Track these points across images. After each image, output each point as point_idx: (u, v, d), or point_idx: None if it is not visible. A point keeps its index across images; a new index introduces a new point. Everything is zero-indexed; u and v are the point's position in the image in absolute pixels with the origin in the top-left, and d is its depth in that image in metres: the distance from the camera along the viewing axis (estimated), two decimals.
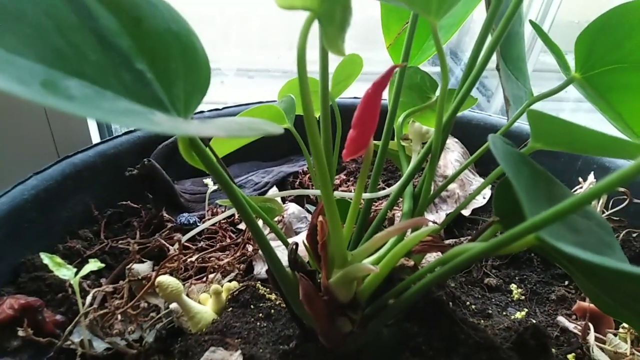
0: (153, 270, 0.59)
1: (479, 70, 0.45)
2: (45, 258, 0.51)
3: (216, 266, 0.57)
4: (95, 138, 0.87)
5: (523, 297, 0.67)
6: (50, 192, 0.66)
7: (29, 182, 0.64)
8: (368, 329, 0.46)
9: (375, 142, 0.60)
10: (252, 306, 0.54)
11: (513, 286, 0.69)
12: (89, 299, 0.55)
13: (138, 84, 0.28)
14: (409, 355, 0.50)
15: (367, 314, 0.45)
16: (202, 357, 0.46)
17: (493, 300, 0.66)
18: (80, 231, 0.70)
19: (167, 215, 0.65)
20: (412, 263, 0.43)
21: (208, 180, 0.71)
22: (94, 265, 0.50)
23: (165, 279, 0.51)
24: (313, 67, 0.33)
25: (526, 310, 0.65)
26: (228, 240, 0.65)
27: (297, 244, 0.44)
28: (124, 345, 0.54)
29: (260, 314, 0.52)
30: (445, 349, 0.49)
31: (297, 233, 0.69)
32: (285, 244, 0.48)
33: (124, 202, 0.70)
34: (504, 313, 0.64)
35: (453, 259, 0.35)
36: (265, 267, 0.62)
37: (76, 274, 0.52)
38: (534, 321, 0.61)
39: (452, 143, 0.81)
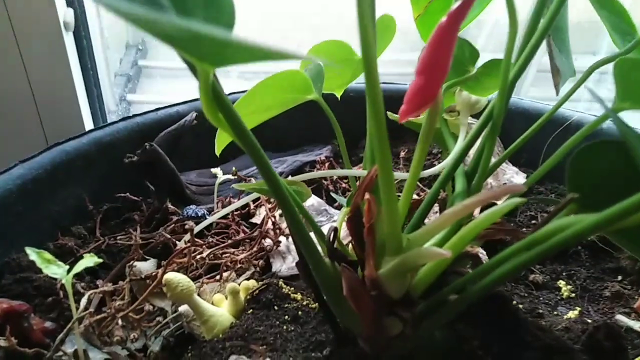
0: (158, 269, 0.52)
1: (543, 32, 0.39)
2: (32, 254, 0.43)
3: (230, 263, 0.50)
4: (89, 127, 0.79)
5: (573, 294, 0.60)
6: (38, 183, 0.58)
7: (15, 171, 0.56)
8: (420, 330, 0.39)
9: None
10: (275, 307, 0.46)
11: (561, 283, 0.61)
12: (83, 302, 0.47)
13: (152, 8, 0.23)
14: None
15: (421, 312, 0.38)
16: None
17: (541, 298, 0.59)
18: (73, 228, 0.62)
19: (172, 207, 0.57)
20: (477, 250, 0.35)
21: (217, 170, 0.64)
22: (89, 260, 0.42)
23: (175, 277, 0.43)
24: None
25: (579, 309, 0.57)
26: (242, 235, 0.57)
27: (336, 229, 0.37)
28: (126, 356, 0.46)
29: (286, 316, 0.45)
30: (508, 354, 0.41)
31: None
32: (319, 232, 0.41)
33: (122, 195, 0.62)
34: (555, 312, 0.57)
35: (548, 238, 0.28)
36: (285, 265, 0.55)
37: (69, 272, 0.44)
38: (589, 321, 0.54)
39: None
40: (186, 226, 0.48)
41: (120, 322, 0.43)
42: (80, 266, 0.42)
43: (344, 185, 0.71)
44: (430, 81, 0.28)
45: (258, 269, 0.54)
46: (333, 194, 0.70)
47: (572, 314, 0.57)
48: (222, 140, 0.49)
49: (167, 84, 1.38)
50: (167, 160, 0.59)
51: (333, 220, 0.63)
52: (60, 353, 0.46)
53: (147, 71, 1.38)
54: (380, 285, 0.35)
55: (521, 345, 0.42)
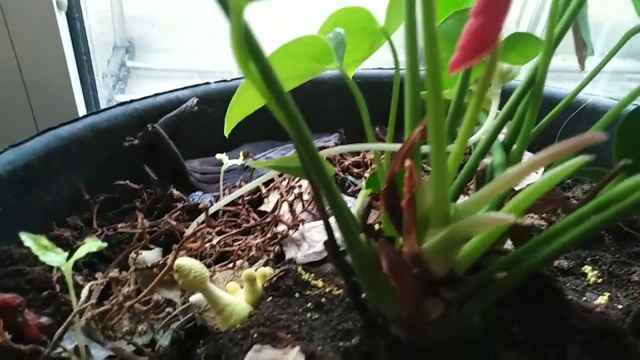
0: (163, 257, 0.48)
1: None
2: (28, 240, 0.39)
3: (243, 250, 0.46)
4: (83, 114, 0.74)
5: (600, 280, 0.57)
6: (31, 170, 0.53)
7: (4, 156, 0.52)
8: (462, 313, 0.36)
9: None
10: (296, 295, 0.42)
11: (587, 268, 0.59)
12: (84, 293, 0.43)
13: None
14: (502, 349, 0.39)
15: (464, 293, 0.34)
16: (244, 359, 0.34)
17: (567, 284, 0.56)
18: (69, 218, 0.58)
19: (177, 193, 0.53)
20: (528, 222, 0.32)
21: (222, 156, 0.60)
22: (93, 244, 0.38)
23: (187, 262, 0.39)
24: None
25: (607, 294, 0.54)
26: (252, 222, 0.53)
27: (370, 202, 0.34)
28: (132, 352, 0.42)
29: (309, 304, 0.41)
30: (552, 338, 0.38)
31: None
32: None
33: (122, 183, 0.58)
34: (584, 299, 0.54)
35: (602, 209, 0.25)
36: (300, 252, 0.51)
37: (68, 259, 0.40)
38: (619, 306, 0.51)
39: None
40: (200, 205, 0.44)
41: (126, 314, 0.39)
42: (82, 251, 0.38)
43: (356, 171, 0.67)
44: (489, 22, 0.25)
45: (272, 256, 0.50)
46: (349, 177, 0.66)
47: (602, 299, 0.54)
48: (233, 117, 0.46)
49: (157, 85, 1.35)
50: (170, 144, 0.55)
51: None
52: (60, 350, 0.41)
53: (135, 72, 1.34)
54: (423, 261, 0.31)
55: (566, 328, 0.39)
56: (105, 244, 0.39)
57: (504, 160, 0.37)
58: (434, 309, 0.35)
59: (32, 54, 0.65)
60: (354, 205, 0.59)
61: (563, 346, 0.38)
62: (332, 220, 0.49)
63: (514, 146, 0.38)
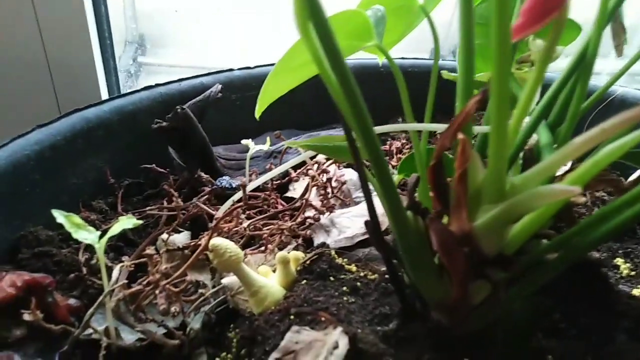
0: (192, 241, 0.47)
1: None
2: (60, 216, 0.38)
3: (273, 235, 0.45)
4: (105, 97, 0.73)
5: (633, 272, 0.56)
6: (57, 151, 0.53)
7: (32, 136, 0.51)
8: (506, 298, 0.35)
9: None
10: (331, 278, 0.41)
11: (619, 261, 0.57)
12: (115, 273, 0.42)
13: None
14: (541, 338, 0.38)
15: (513, 275, 0.33)
16: (282, 342, 0.33)
17: None
18: (94, 202, 0.57)
19: (206, 176, 0.52)
20: (582, 200, 0.31)
21: (248, 142, 0.59)
22: (128, 222, 0.37)
23: (223, 242, 0.38)
24: None
25: None
26: (280, 207, 0.52)
27: (418, 177, 0.33)
28: (162, 335, 0.41)
29: (345, 288, 0.40)
30: (597, 325, 0.37)
31: (356, 202, 0.57)
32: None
33: (148, 166, 0.57)
34: (617, 290, 0.53)
35: None
36: (330, 239, 0.50)
37: (100, 238, 0.39)
38: None
39: None
40: (236, 178, 0.43)
41: (159, 295, 0.38)
42: (117, 228, 0.37)
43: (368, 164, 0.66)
44: None
45: (300, 241, 0.49)
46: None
47: (636, 292, 0.53)
48: (267, 97, 0.45)
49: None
50: (198, 127, 0.54)
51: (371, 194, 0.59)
52: (90, 331, 0.41)
53: (147, 68, 1.34)
54: (474, 240, 0.30)
55: (611, 315, 0.37)
56: (140, 221, 0.38)
57: (551, 140, 0.36)
58: (479, 292, 0.34)
59: (57, 33, 0.64)
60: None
61: (609, 333, 0.37)
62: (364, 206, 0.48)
63: (562, 125, 0.36)
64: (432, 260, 0.33)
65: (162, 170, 0.58)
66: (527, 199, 0.27)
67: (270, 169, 0.53)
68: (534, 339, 0.38)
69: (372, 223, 0.35)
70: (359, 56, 0.47)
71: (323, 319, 0.34)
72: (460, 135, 0.29)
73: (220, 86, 0.65)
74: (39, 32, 0.62)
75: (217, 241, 0.38)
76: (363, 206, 0.55)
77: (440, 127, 0.37)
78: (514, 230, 0.32)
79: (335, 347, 0.31)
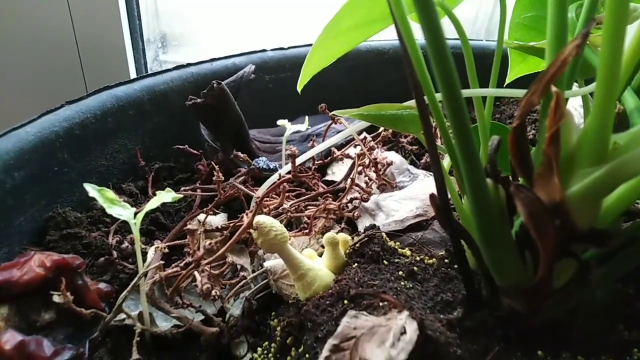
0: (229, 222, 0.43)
1: None
2: (93, 191, 0.35)
3: (319, 215, 0.41)
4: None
5: None
6: (86, 129, 0.50)
7: (61, 112, 0.49)
8: (590, 282, 0.30)
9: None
10: (385, 262, 0.38)
11: None
12: (150, 254, 0.39)
13: None
14: (623, 330, 0.34)
15: (604, 254, 0.29)
16: (339, 328, 0.30)
17: None
18: (124, 185, 0.54)
19: (242, 155, 0.49)
20: None
21: (284, 122, 0.56)
22: (167, 195, 0.34)
23: (267, 220, 0.35)
24: None
25: None
26: (321, 189, 0.49)
27: (500, 139, 0.29)
28: (199, 322, 0.38)
29: (400, 272, 0.37)
30: None
31: (400, 187, 0.54)
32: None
33: (181, 147, 0.54)
34: None
35: None
36: (376, 223, 0.46)
37: (135, 214, 0.36)
38: None
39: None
40: (287, 151, 0.39)
41: (200, 278, 0.34)
42: (155, 202, 0.34)
43: (410, 148, 0.62)
44: None
45: (343, 225, 0.46)
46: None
47: None
48: (312, 66, 0.41)
49: None
50: (234, 104, 0.51)
51: (417, 179, 0.55)
52: (122, 316, 0.38)
53: (166, 65, 1.32)
54: (566, 211, 0.26)
55: None
56: (180, 195, 0.35)
57: (638, 104, 0.32)
58: (563, 273, 0.30)
59: (87, 9, 0.62)
60: (424, 179, 0.54)
61: None
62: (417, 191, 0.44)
63: None
64: (510, 236, 0.29)
65: (194, 151, 0.55)
66: (636, 160, 0.22)
67: (312, 147, 0.49)
68: (616, 330, 0.34)
69: (441, 197, 0.31)
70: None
71: (386, 302, 0.30)
72: (554, 89, 0.25)
73: (253, 67, 0.62)
74: (68, 8, 0.59)
75: (263, 218, 0.35)
76: (410, 190, 0.51)
77: (520, 92, 0.33)
78: (609, 202, 0.28)
79: (403, 332, 0.27)
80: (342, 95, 0.72)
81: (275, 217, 0.44)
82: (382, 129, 0.56)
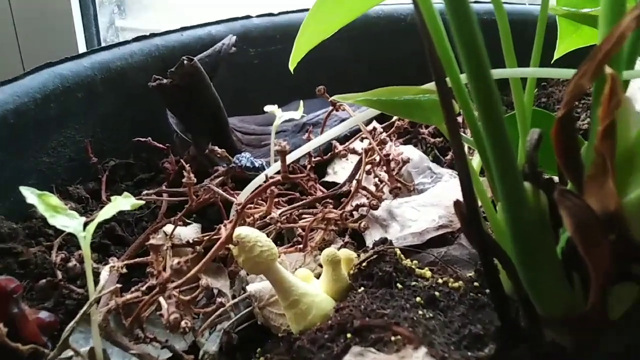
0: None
1: None
2: (31, 196, 0.36)
3: (317, 226, 0.42)
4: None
5: None
6: (23, 117, 0.51)
7: None
8: None
9: None
10: (399, 285, 0.39)
11: None
12: (103, 276, 0.40)
13: None
14: None
15: None
16: None
17: None
18: (71, 188, 0.55)
19: (220, 151, 0.49)
20: None
21: (273, 108, 0.57)
22: (125, 202, 0.34)
23: (252, 232, 0.36)
24: None
25: None
26: (319, 194, 0.50)
27: (540, 133, 0.29)
28: None
29: (418, 298, 0.38)
30: None
31: (419, 191, 0.54)
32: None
33: (142, 140, 0.55)
34: None
35: None
36: (389, 236, 0.47)
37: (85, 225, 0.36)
38: None
39: None
40: (276, 146, 0.40)
41: (168, 299, 0.35)
42: (109, 211, 0.35)
43: (432, 140, 0.63)
44: None
45: (348, 238, 0.47)
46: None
47: None
48: (309, 37, 0.42)
49: None
50: (210, 86, 0.52)
51: (440, 180, 0.55)
52: (69, 353, 0.38)
53: (126, 34, 1.34)
54: (625, 222, 0.27)
55: None
56: (141, 202, 0.35)
57: None
58: (621, 300, 0.31)
59: None
60: (450, 181, 0.55)
61: None
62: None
63: None
64: (555, 254, 0.30)
65: (160, 145, 0.56)
66: None
67: (308, 140, 0.50)
68: None
69: (468, 204, 0.31)
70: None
71: (399, 336, 0.30)
72: (608, 70, 0.26)
73: (234, 38, 0.63)
74: None
75: (245, 231, 0.36)
76: (431, 194, 0.52)
77: (569, 72, 0.33)
78: None
79: None
80: (346, 74, 0.73)
81: (261, 228, 0.44)
82: (396, 117, 0.57)
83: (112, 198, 0.36)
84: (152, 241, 0.35)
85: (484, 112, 0.26)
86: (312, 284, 0.40)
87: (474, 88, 0.26)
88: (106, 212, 0.35)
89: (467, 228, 0.32)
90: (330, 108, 0.56)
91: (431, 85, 0.38)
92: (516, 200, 0.28)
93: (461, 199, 0.32)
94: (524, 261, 0.30)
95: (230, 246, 0.36)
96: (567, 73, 0.34)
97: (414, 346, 0.30)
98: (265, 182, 0.43)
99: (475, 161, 0.47)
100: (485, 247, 0.32)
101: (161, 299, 0.37)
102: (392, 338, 0.32)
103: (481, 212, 0.34)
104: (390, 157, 0.51)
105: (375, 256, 0.40)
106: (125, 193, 0.36)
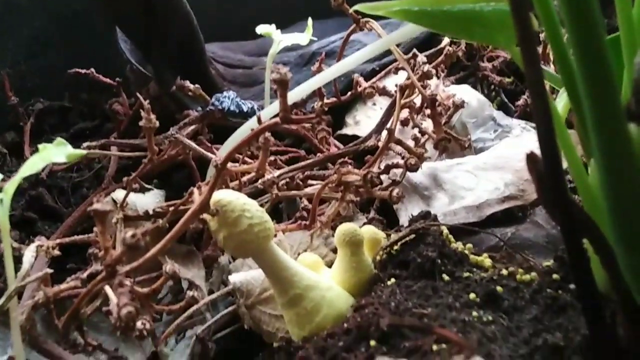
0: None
1: None
2: None
3: (330, 194, 0.43)
4: None
5: None
6: None
7: None
8: None
9: None
10: (445, 277, 0.40)
11: None
12: (26, 260, 0.41)
13: None
14: None
15: None
16: None
17: None
18: None
19: (194, 87, 0.50)
20: None
21: (269, 29, 0.57)
22: (55, 151, 0.35)
23: (236, 199, 0.36)
24: None
25: None
26: (333, 150, 0.51)
27: None
28: None
29: (472, 295, 0.39)
30: None
31: (478, 150, 0.55)
32: None
33: (81, 72, 0.56)
34: None
35: None
36: (433, 210, 0.48)
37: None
38: None
39: None
40: (273, 75, 0.41)
41: (119, 291, 0.36)
42: (35, 165, 0.35)
43: (498, 78, 0.63)
44: None
45: (374, 213, 0.48)
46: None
47: None
48: None
49: None
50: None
51: (507, 135, 0.56)
52: None
53: None
54: None
55: None
56: (82, 152, 0.36)
57: None
58: None
59: None
60: (522, 136, 0.56)
61: None
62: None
63: None
64: None
65: (107, 80, 0.57)
66: None
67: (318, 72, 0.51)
68: None
69: (549, 163, 0.31)
70: None
71: (445, 344, 0.31)
72: None
73: None
74: None
75: (228, 196, 0.36)
76: (495, 153, 0.53)
77: None
78: None
79: None
80: None
81: (251, 196, 0.45)
82: (446, 40, 0.57)
83: (40, 147, 0.37)
84: (96, 206, 0.35)
85: (578, 32, 0.26)
86: (321, 274, 0.41)
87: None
88: (31, 166, 0.36)
89: (547, 196, 0.32)
90: (351, 28, 0.57)
91: None
92: (619, 154, 0.28)
93: (538, 154, 0.32)
94: (628, 242, 0.31)
95: (207, 217, 0.36)
96: None
97: (466, 356, 0.31)
98: (256, 129, 0.44)
99: (560, 105, 0.48)
100: (572, 223, 0.32)
101: (108, 290, 0.38)
102: (434, 347, 0.32)
103: (567, 176, 0.34)
104: (438, 100, 0.51)
105: (412, 237, 0.42)
106: (59, 139, 0.36)
